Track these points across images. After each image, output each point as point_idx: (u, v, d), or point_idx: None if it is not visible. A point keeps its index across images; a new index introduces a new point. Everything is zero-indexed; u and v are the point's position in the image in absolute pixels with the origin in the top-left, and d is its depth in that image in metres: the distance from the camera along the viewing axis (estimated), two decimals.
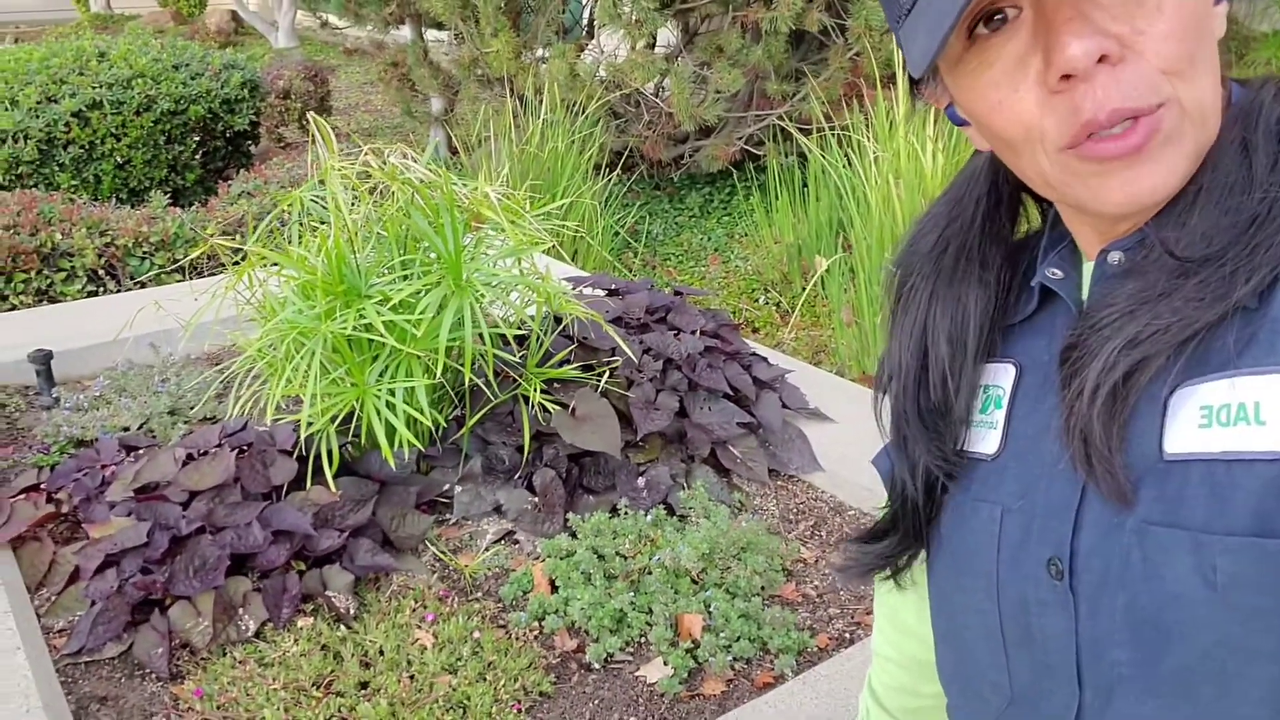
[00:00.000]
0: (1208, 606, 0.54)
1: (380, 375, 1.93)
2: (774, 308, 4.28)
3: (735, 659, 1.69)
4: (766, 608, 1.80)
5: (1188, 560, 0.54)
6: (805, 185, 4.48)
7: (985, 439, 0.68)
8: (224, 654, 1.69)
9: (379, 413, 1.89)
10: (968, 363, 0.69)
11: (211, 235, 3.78)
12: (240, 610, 1.73)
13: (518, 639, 1.77)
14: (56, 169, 4.55)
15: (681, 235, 5.07)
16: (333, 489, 1.94)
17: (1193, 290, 0.55)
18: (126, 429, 2.33)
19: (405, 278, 1.98)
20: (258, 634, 1.72)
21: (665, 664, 1.67)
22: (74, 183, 4.57)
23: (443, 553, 1.99)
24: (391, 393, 1.90)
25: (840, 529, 2.12)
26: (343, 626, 1.74)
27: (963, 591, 0.71)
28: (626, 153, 5.08)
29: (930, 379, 0.70)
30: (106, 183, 4.68)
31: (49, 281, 3.51)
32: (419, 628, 1.75)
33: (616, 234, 4.78)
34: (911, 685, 0.90)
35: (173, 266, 3.71)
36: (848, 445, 2.31)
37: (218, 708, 1.56)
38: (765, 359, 2.49)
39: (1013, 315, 0.69)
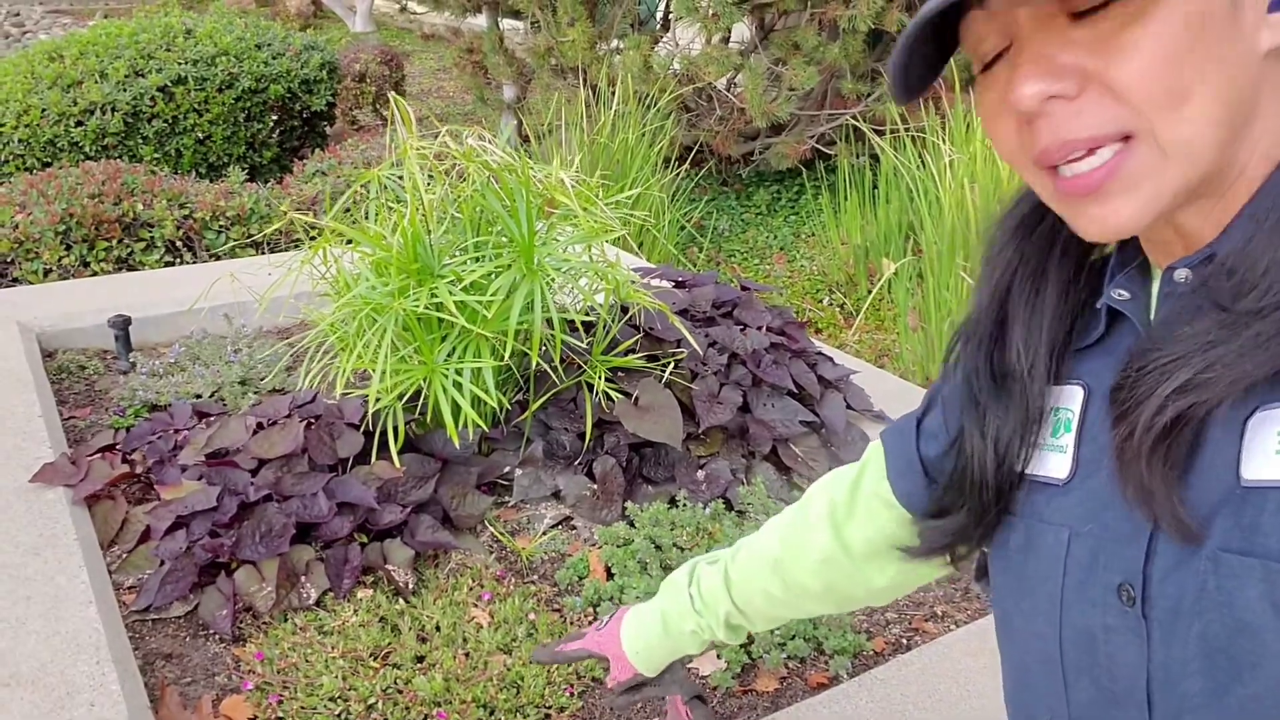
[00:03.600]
0: (1277, 636, 0.53)
1: (449, 355, 1.95)
2: (838, 309, 4.24)
3: (789, 657, 1.68)
4: None
5: (1259, 588, 0.54)
6: (875, 187, 4.43)
7: (1056, 463, 0.67)
8: (285, 620, 1.72)
9: (445, 392, 1.90)
10: (1039, 360, 0.68)
11: (286, 212, 3.86)
12: (303, 578, 1.76)
13: (572, 623, 1.78)
14: (140, 142, 4.67)
15: (747, 232, 5.04)
16: (397, 465, 1.96)
17: (1249, 343, 0.53)
18: (199, 396, 2.38)
19: (477, 260, 2.00)
20: (318, 602, 1.75)
21: (719, 657, 1.66)
22: (156, 156, 4.69)
23: (501, 534, 2.00)
24: (459, 372, 1.92)
25: None
26: (401, 600, 1.76)
27: (1022, 615, 0.70)
28: (696, 147, 5.07)
29: (1008, 338, 0.69)
30: (187, 157, 4.80)
31: (129, 250, 3.61)
32: (475, 606, 1.77)
33: (682, 228, 4.77)
34: (786, 599, 0.95)
35: (247, 241, 3.79)
36: None
37: (278, 671, 1.59)
38: (831, 358, 2.46)
39: (1082, 339, 0.68)
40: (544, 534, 2.04)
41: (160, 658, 1.66)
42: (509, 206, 2.01)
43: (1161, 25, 0.52)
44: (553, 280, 2.01)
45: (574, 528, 2.08)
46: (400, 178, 2.13)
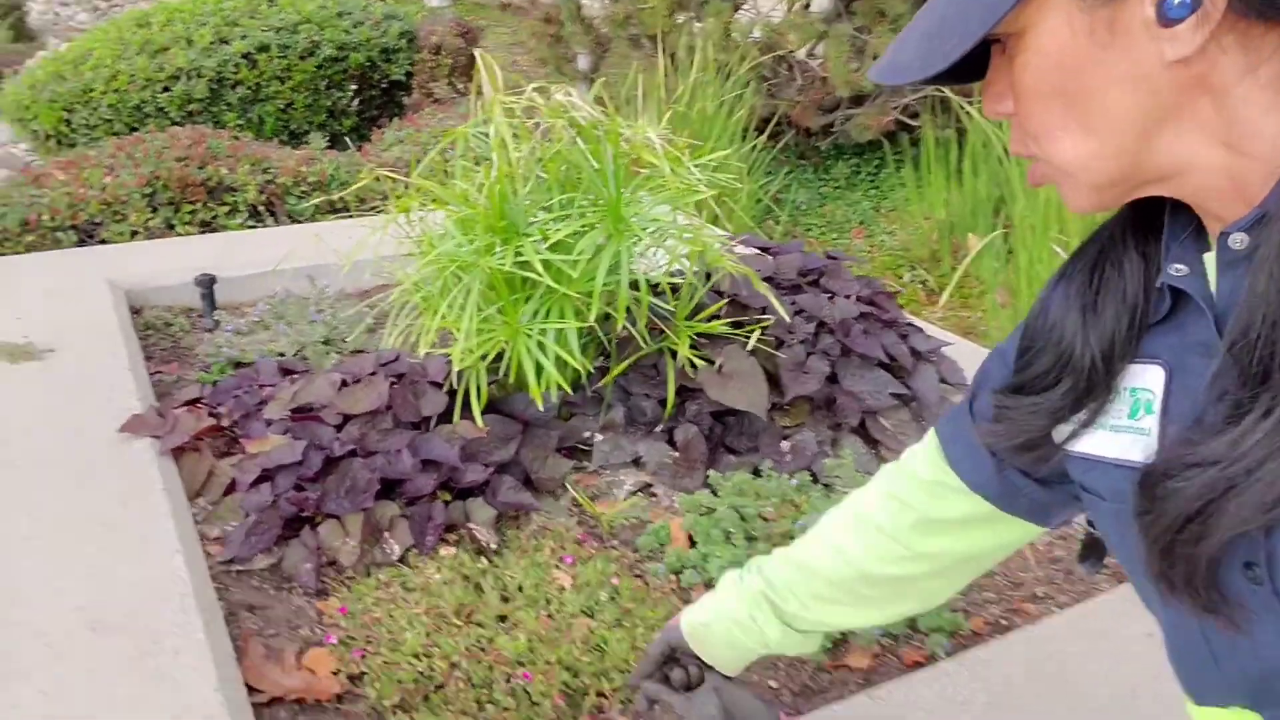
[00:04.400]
0: None
1: (532, 316, 1.91)
2: (920, 286, 4.12)
3: (883, 634, 1.62)
4: None
5: None
6: (961, 160, 4.28)
7: (1135, 446, 0.66)
8: (368, 575, 1.70)
9: (529, 353, 1.87)
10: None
11: (370, 175, 3.87)
12: (386, 534, 1.75)
13: (655, 589, 1.74)
14: (224, 108, 4.73)
15: (825, 205, 4.93)
16: (480, 424, 1.93)
17: None
18: (282, 354, 2.39)
19: (564, 218, 1.95)
20: (401, 559, 1.73)
21: None
22: (239, 122, 4.75)
23: (582, 498, 1.97)
24: (543, 333, 1.88)
25: None
26: (484, 559, 1.73)
27: (1149, 602, 0.69)
28: (774, 118, 4.96)
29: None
30: (269, 124, 4.85)
31: (213, 214, 3.65)
32: (557, 568, 1.73)
33: (759, 200, 4.68)
34: (840, 585, 0.97)
35: (329, 208, 3.81)
36: None
37: (361, 626, 1.58)
38: (922, 329, 2.38)
39: (1153, 315, 0.67)
40: (624, 500, 2.01)
41: (244, 609, 1.66)
42: (597, 166, 1.96)
43: (1031, 68, 0.59)
44: (639, 240, 1.96)
45: (654, 495, 2.04)
46: (486, 135, 2.09)
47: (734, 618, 1.03)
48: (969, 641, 1.63)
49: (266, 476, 1.83)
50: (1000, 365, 0.82)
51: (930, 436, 0.93)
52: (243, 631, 1.58)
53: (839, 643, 1.61)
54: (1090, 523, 0.78)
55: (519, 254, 1.85)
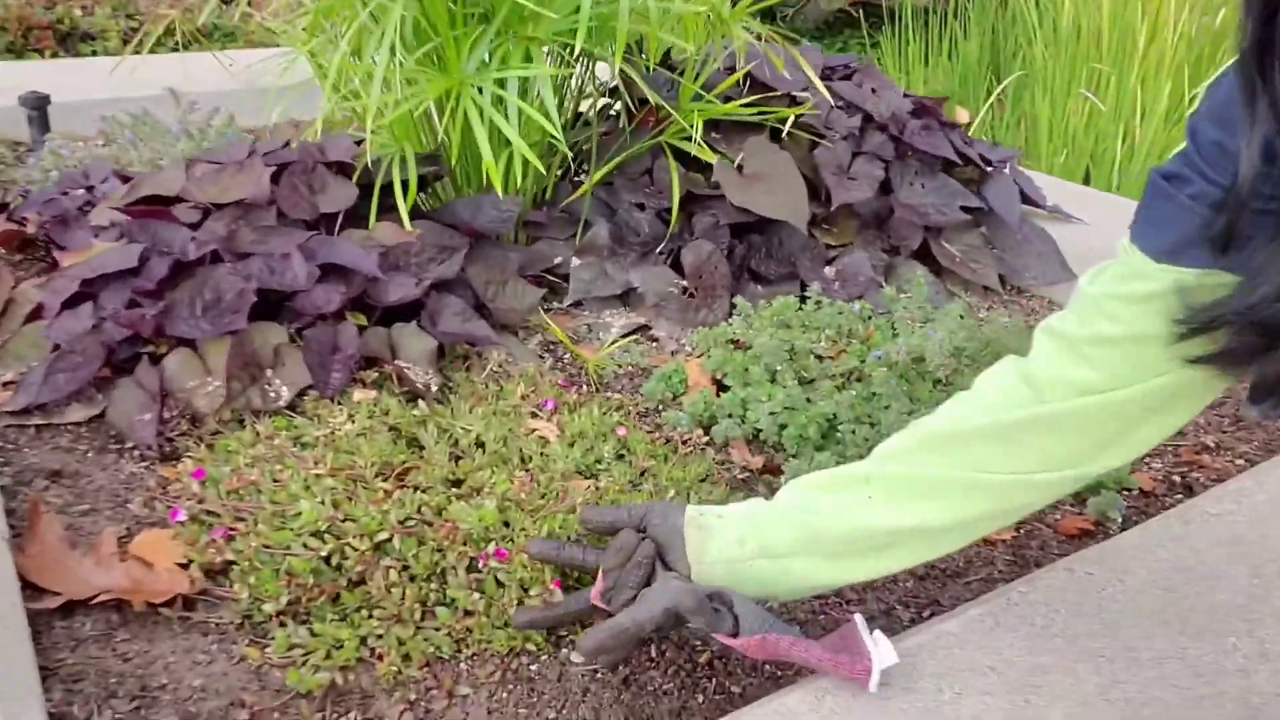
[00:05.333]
0: None
1: (485, 64, 1.32)
2: None
3: None
4: None
5: None
6: (944, 27, 3.77)
7: None
8: (242, 426, 1.11)
9: (482, 113, 1.28)
10: None
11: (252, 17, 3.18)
12: (269, 371, 1.15)
13: (668, 441, 1.19)
14: None
15: None
16: (408, 227, 1.34)
17: None
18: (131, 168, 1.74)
19: None
20: (293, 405, 1.14)
21: None
22: None
23: (560, 334, 1.40)
24: (501, 85, 1.29)
25: None
26: (421, 405, 1.15)
27: None
28: None
29: None
30: None
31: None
32: (536, 416, 1.17)
33: None
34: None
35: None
36: (1103, 255, 1.67)
37: (228, 496, 0.99)
38: (983, 139, 1.85)
39: None
40: (612, 344, 1.44)
41: (42, 476, 1.05)
42: None
43: None
44: None
45: (654, 340, 1.48)
46: None
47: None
48: (1141, 504, 1.12)
49: (87, 294, 1.21)
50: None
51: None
52: (32, 508, 0.98)
53: None
54: None
55: None
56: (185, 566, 0.92)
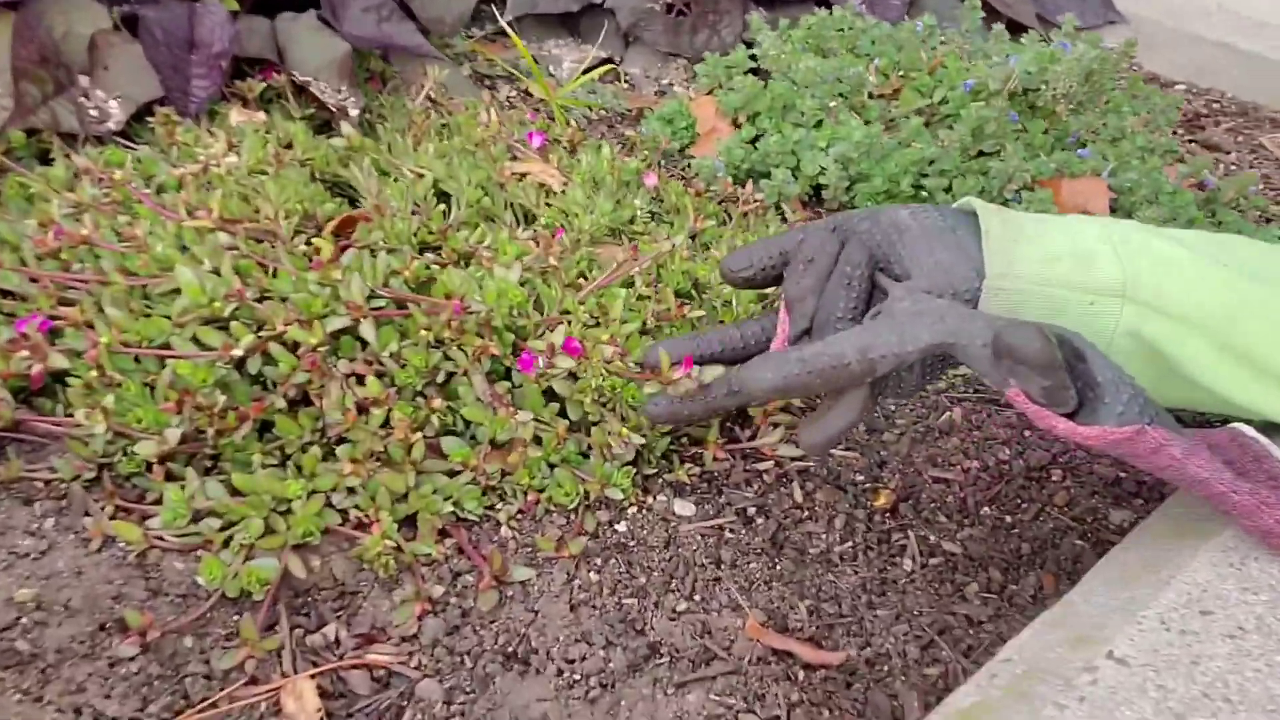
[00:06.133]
0: None
1: None
2: None
3: None
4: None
5: None
6: None
7: None
8: (48, 161, 0.68)
9: None
10: None
11: None
12: (83, 77, 0.70)
13: (730, 203, 0.84)
14: None
15: None
16: None
17: None
18: None
19: None
20: (130, 132, 0.71)
21: None
22: None
23: (504, 66, 0.99)
24: None
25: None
26: (340, 136, 0.74)
27: None
28: None
29: None
30: None
31: None
32: (518, 159, 0.78)
33: None
34: None
35: None
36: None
37: (41, 259, 0.57)
38: None
39: None
40: (575, 81, 1.04)
41: None
42: None
43: None
44: None
45: (625, 80, 1.09)
46: None
47: None
48: None
49: None
50: None
51: None
52: None
53: None
54: None
55: None
56: None
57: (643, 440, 0.54)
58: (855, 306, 0.46)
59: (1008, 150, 0.86)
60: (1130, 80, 1.06)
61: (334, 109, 0.77)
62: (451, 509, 0.51)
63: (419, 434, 0.52)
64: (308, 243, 0.61)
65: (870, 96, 0.99)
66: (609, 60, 1.11)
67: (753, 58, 1.02)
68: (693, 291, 0.66)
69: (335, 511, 0.50)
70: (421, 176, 0.72)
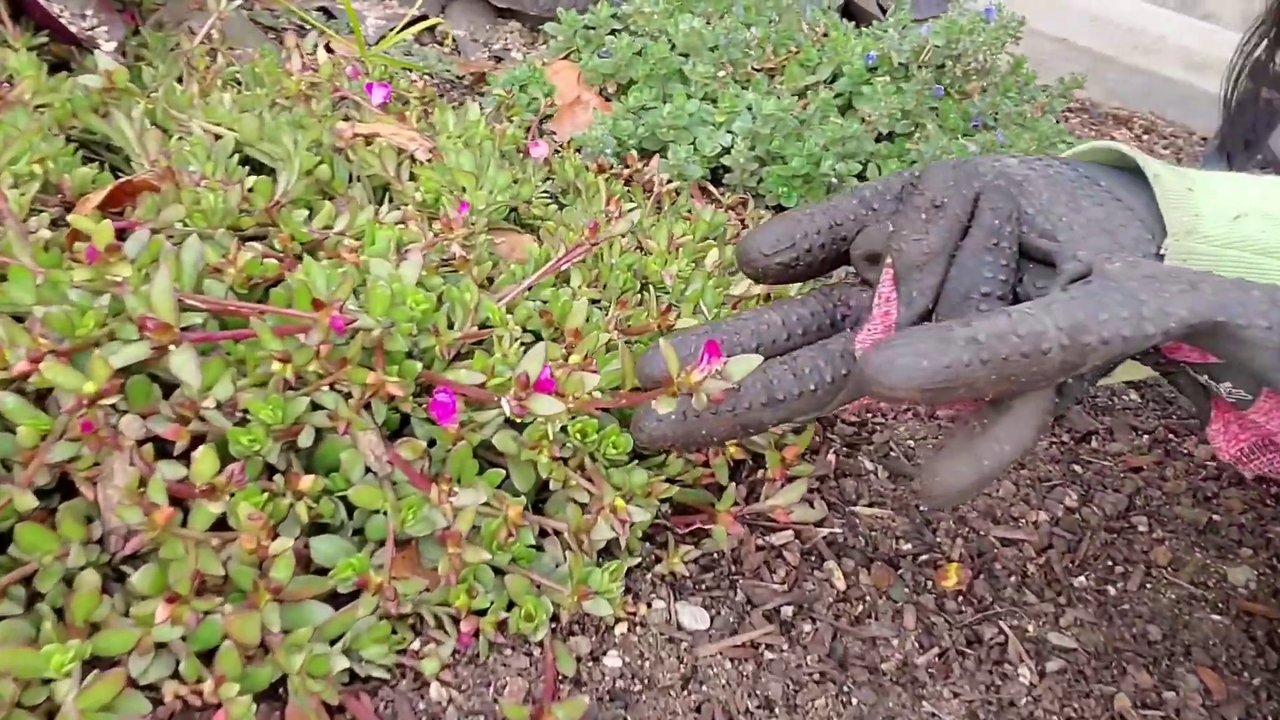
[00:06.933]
0: None
1: None
2: None
3: None
4: None
5: None
6: None
7: None
8: None
9: None
10: None
11: None
12: None
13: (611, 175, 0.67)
14: None
15: None
16: None
17: None
18: None
19: None
20: None
21: None
22: None
23: (303, 16, 0.77)
24: None
25: None
26: (93, 76, 0.50)
27: None
28: None
29: None
30: None
31: None
32: (351, 120, 0.57)
33: None
34: None
35: None
36: None
37: None
38: None
39: None
40: (386, 39, 0.83)
41: None
42: None
43: None
44: None
45: (452, 44, 0.90)
46: None
47: None
48: None
49: None
50: None
51: None
52: None
53: None
54: None
55: None
56: None
57: (647, 514, 0.36)
58: (1005, 280, 0.31)
59: (929, 130, 0.75)
60: (1015, 61, 0.99)
61: (79, 37, 0.53)
62: (344, 665, 0.31)
63: (278, 540, 0.30)
64: (54, 225, 0.37)
65: (758, 72, 0.85)
66: (422, 18, 0.90)
67: (615, 17, 0.85)
68: (642, 292, 0.48)
69: (138, 692, 0.28)
70: (219, 138, 0.49)
